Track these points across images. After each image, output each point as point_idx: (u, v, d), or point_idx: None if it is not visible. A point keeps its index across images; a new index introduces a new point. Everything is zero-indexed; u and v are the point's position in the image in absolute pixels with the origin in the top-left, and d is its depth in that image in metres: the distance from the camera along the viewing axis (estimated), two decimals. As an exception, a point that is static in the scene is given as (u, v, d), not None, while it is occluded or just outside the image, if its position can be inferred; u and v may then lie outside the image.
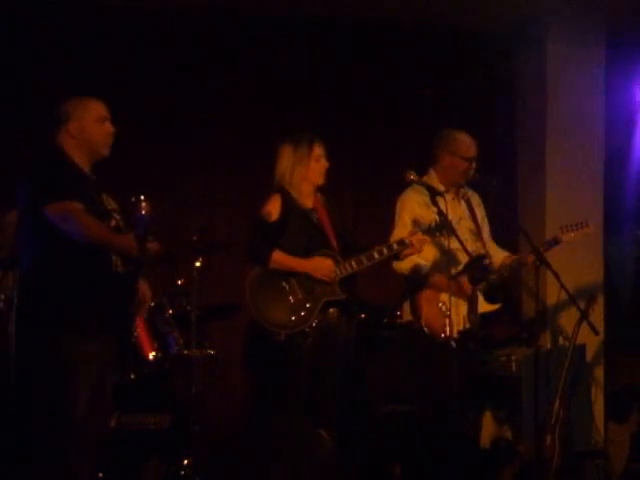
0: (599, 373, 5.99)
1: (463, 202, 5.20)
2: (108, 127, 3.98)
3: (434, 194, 4.70)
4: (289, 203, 4.79)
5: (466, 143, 5.12)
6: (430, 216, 4.87)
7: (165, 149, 5.80)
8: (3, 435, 4.25)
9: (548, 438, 4.95)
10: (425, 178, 5.03)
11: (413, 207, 5.04)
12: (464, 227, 5.10)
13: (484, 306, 5.04)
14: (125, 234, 3.82)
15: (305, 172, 4.79)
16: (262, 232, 4.76)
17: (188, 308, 5.15)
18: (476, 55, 6.15)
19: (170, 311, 5.14)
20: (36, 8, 5.52)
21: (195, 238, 5.17)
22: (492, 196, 5.18)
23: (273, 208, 4.78)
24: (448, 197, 4.94)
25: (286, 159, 4.80)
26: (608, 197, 6.17)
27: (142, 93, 5.75)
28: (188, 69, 5.86)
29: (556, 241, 5.14)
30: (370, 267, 4.80)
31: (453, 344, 4.77)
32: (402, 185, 5.03)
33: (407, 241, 4.75)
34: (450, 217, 4.82)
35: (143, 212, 3.69)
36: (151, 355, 4.95)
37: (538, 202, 6.12)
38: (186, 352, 5.09)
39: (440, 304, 4.81)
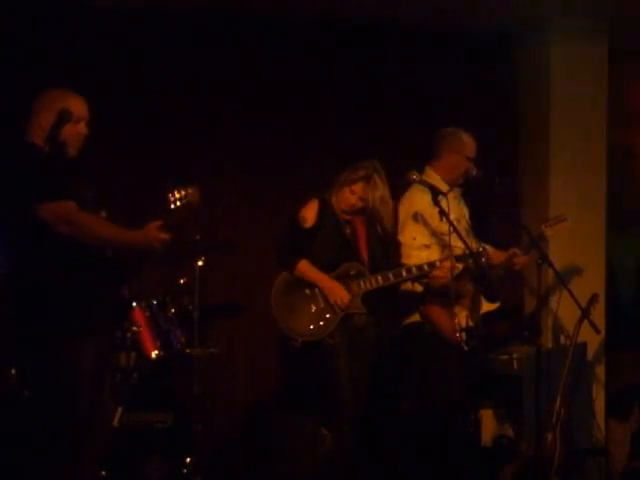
0: (600, 371, 6.00)
1: (461, 201, 5.22)
2: (81, 128, 3.82)
3: (436, 194, 4.71)
4: (326, 211, 4.83)
5: (471, 143, 5.13)
6: (436, 216, 4.89)
7: (166, 149, 5.80)
8: (7, 438, 4.25)
9: (549, 436, 4.95)
10: (424, 176, 5.04)
11: (424, 207, 5.03)
12: (462, 227, 5.11)
13: (485, 306, 5.06)
14: (142, 229, 3.66)
15: (341, 191, 4.83)
16: (293, 237, 4.81)
17: (190, 307, 5.16)
18: (478, 55, 6.16)
19: (173, 310, 5.14)
20: (35, 6, 5.52)
21: (197, 237, 5.18)
22: (495, 194, 5.18)
23: (309, 214, 4.82)
24: (450, 196, 4.96)
25: (348, 169, 4.84)
26: (610, 196, 6.18)
27: (145, 93, 5.76)
28: (190, 70, 5.86)
29: (542, 237, 5.14)
30: (396, 284, 4.82)
31: (465, 347, 4.80)
32: (402, 185, 5.04)
33: (437, 264, 4.76)
34: (452, 217, 4.84)
35: (190, 197, 3.57)
36: (154, 354, 4.95)
37: (542, 201, 6.12)
38: (188, 351, 5.10)
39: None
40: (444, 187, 5.00)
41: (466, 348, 4.75)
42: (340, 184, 4.84)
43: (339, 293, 4.75)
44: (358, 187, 4.80)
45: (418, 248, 4.96)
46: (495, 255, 5.12)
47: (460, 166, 5.10)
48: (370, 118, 6.07)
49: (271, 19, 5.88)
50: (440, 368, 4.92)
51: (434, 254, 4.93)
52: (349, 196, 4.83)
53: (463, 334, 4.79)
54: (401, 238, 5.00)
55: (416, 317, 5.05)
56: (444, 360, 4.90)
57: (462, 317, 4.88)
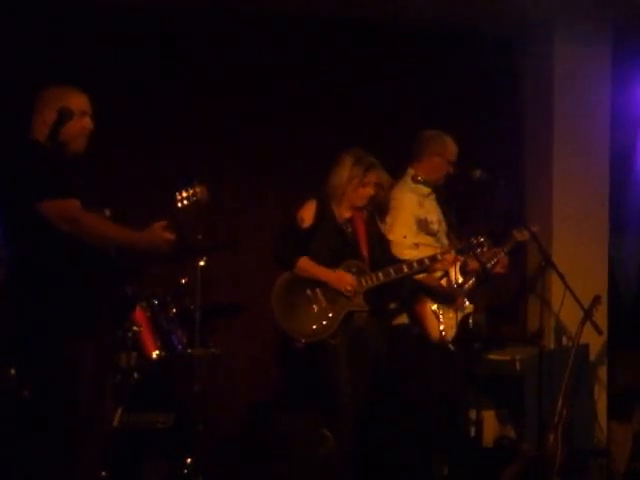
0: (602, 373, 6.00)
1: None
2: (86, 122, 3.77)
3: (439, 193, 4.73)
4: (324, 211, 4.79)
5: (453, 146, 5.15)
6: (423, 215, 4.93)
7: (166, 149, 5.79)
8: (7, 438, 4.23)
9: (551, 437, 4.94)
10: (406, 177, 5.08)
11: (413, 207, 5.04)
12: (442, 228, 5.15)
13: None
14: (147, 229, 3.64)
15: (350, 191, 4.77)
16: (292, 237, 4.75)
17: (192, 307, 5.15)
18: (482, 55, 6.14)
19: (174, 310, 5.13)
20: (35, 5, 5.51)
21: (199, 237, 5.17)
22: (499, 196, 5.18)
23: (307, 215, 4.77)
24: (430, 198, 5.01)
25: (340, 170, 4.78)
26: (613, 197, 6.18)
27: (146, 93, 5.76)
28: (190, 70, 5.86)
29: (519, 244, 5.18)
30: (397, 280, 4.77)
31: (451, 347, 4.79)
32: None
33: (439, 257, 4.74)
34: (434, 218, 4.92)
35: (199, 196, 3.53)
36: (154, 354, 4.94)
37: (545, 202, 6.12)
38: (190, 351, 5.09)
39: (434, 307, 4.84)
40: (427, 189, 5.04)
41: (452, 348, 4.77)
42: (347, 180, 4.73)
43: (344, 279, 4.71)
44: (372, 176, 4.74)
45: (409, 247, 4.97)
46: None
47: (442, 169, 5.12)
48: (370, 118, 6.06)
49: (271, 19, 5.87)
50: (426, 370, 4.91)
51: (423, 253, 4.91)
52: (362, 190, 4.76)
53: (449, 335, 4.81)
54: (391, 236, 4.99)
55: (403, 318, 5.04)
56: (430, 362, 4.90)
57: (449, 318, 4.90)
